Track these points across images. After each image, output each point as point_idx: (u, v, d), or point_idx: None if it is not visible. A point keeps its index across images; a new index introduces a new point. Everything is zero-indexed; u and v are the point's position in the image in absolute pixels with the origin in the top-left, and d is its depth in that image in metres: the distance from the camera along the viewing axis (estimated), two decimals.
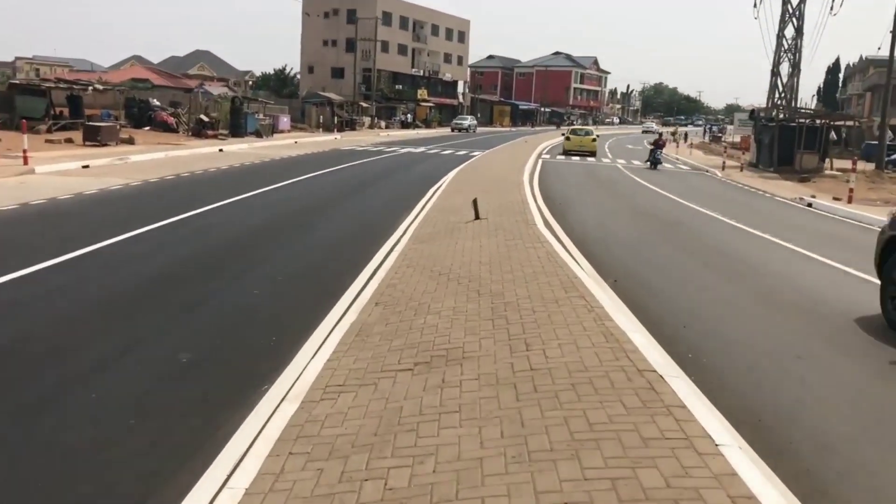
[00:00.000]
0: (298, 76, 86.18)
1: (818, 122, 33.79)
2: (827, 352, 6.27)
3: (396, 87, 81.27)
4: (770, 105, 37.07)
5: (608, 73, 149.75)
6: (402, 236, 11.23)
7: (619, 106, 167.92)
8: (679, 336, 6.46)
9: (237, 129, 39.06)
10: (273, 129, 43.25)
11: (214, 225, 12.03)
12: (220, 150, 31.22)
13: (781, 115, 34.47)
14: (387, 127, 66.89)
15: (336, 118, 54.88)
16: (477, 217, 11.92)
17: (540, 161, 32.56)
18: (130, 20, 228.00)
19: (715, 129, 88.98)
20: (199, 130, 37.16)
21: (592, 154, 39.13)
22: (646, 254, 10.91)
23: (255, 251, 9.99)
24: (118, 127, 30.66)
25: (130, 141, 29.75)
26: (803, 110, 37.23)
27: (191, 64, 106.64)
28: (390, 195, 17.42)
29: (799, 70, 37.22)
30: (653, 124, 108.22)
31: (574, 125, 76.54)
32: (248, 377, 5.26)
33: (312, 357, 5.51)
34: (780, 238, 13.17)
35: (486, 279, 7.40)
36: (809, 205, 20.87)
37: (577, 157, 37.88)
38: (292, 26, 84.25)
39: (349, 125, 58.25)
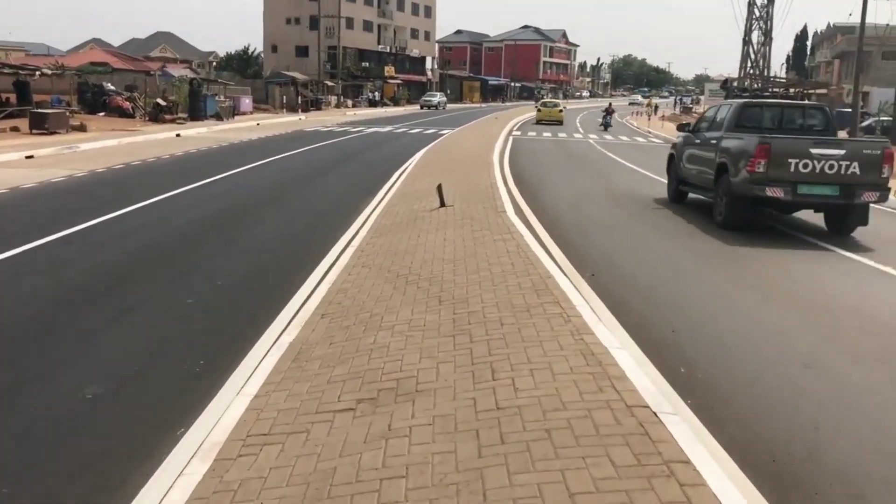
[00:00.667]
0: (262, 56, 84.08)
1: (791, 90, 33.26)
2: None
3: (363, 64, 79.56)
4: (742, 75, 36.46)
5: (577, 45, 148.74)
6: (360, 228, 10.30)
7: (588, 79, 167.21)
8: (668, 342, 5.66)
9: (196, 112, 37.61)
10: (234, 112, 41.81)
11: (155, 221, 11.01)
12: (178, 136, 29.99)
13: (755, 85, 33.87)
14: (353, 106, 65.44)
15: (300, 98, 53.37)
16: (442, 204, 11.04)
17: (511, 139, 31.67)
18: (90, 3, 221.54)
19: (686, 100, 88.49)
20: (157, 115, 35.71)
21: (560, 122, 45.83)
22: (624, 240, 10.11)
23: (194, 252, 9.02)
24: (68, 113, 29.18)
25: (82, 128, 28.35)
26: (776, 79, 36.69)
27: (153, 46, 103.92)
28: (352, 180, 16.43)
29: (770, 38, 36.65)
30: (638, 97, 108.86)
31: (545, 99, 77.08)
32: (162, 419, 4.36)
33: (239, 391, 4.62)
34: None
35: (450, 281, 6.53)
36: None
37: (549, 134, 37.09)
38: (256, 5, 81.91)
39: (314, 105, 56.77)
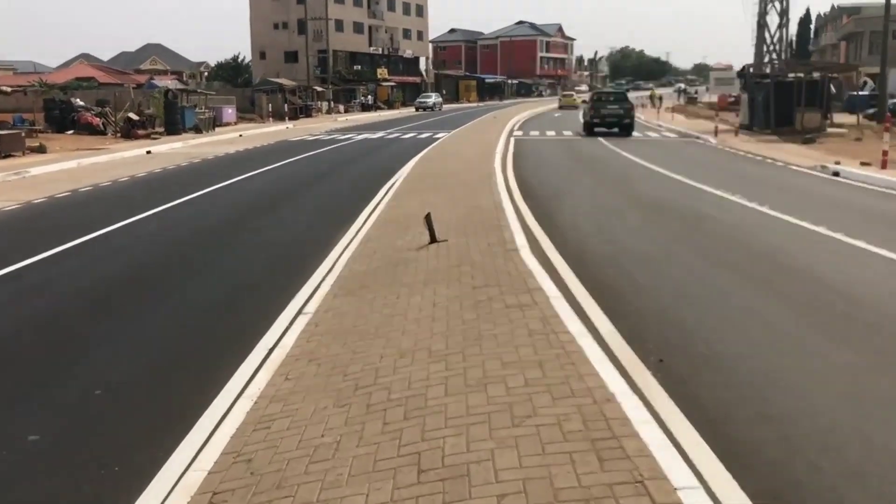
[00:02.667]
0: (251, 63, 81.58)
1: (815, 74, 30.47)
2: None
3: (355, 67, 76.92)
4: (760, 60, 33.69)
5: (574, 39, 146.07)
6: (324, 279, 7.61)
7: (587, 73, 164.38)
8: None
9: (173, 125, 35.01)
10: (214, 123, 39.14)
11: (64, 275, 8.36)
12: (148, 153, 27.42)
13: (775, 70, 31.08)
14: (346, 111, 62.74)
15: (288, 105, 50.71)
16: (433, 240, 8.33)
17: (512, 140, 28.95)
18: (78, 19, 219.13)
19: (690, 90, 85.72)
20: (129, 130, 33.09)
21: (576, 107, 56.59)
22: (683, 281, 7.39)
23: (82, 332, 6.35)
24: (23, 134, 26.59)
25: (41, 149, 25.78)
26: (800, 63, 33.90)
27: (143, 58, 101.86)
28: (325, 203, 13.71)
29: (788, 19, 33.94)
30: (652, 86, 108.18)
31: (543, 96, 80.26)
32: None
33: None
34: (841, 231, 9.71)
35: (439, 410, 3.84)
36: (836, 174, 17.49)
37: (552, 132, 34.38)
38: (245, 11, 79.54)
39: (304, 112, 54.15)
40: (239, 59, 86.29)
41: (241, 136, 36.62)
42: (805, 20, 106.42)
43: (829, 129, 29.50)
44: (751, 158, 22.15)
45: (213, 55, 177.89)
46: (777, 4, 34.04)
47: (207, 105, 42.64)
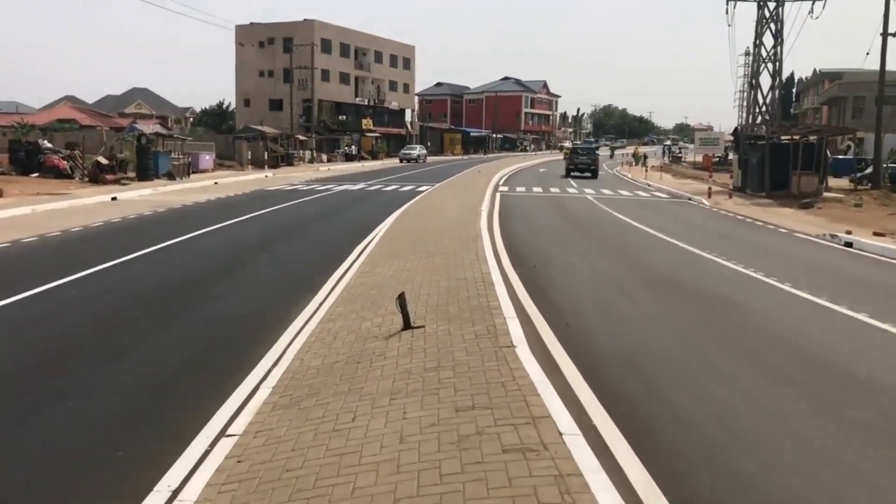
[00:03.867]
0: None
1: (811, 138, 29.62)
2: None
3: (340, 117, 76.12)
4: (753, 121, 32.90)
5: (558, 96, 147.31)
6: (263, 379, 5.95)
7: (570, 129, 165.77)
8: None
9: (145, 171, 33.44)
10: (189, 170, 37.59)
11: None
12: (113, 199, 25.79)
13: (770, 131, 30.21)
14: (329, 160, 61.58)
15: (269, 153, 49.37)
16: (407, 326, 6.73)
17: (498, 195, 27.64)
18: (65, 61, 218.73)
19: (675, 149, 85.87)
20: (97, 175, 31.39)
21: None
22: (728, 402, 5.79)
23: None
24: None
25: None
26: (796, 125, 33.12)
27: (128, 102, 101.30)
28: (287, 268, 12.00)
29: (781, 80, 33.26)
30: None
31: (527, 150, 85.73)
32: None
33: None
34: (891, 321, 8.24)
35: None
36: (849, 244, 16.18)
37: (539, 189, 33.17)
38: (231, 59, 79.00)
39: (286, 160, 52.83)
40: (224, 106, 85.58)
41: (216, 183, 35.10)
42: (788, 84, 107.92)
43: (826, 194, 28.54)
44: (750, 223, 20.89)
45: (200, 101, 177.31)
46: (770, 66, 33.33)
47: (183, 151, 41.20)
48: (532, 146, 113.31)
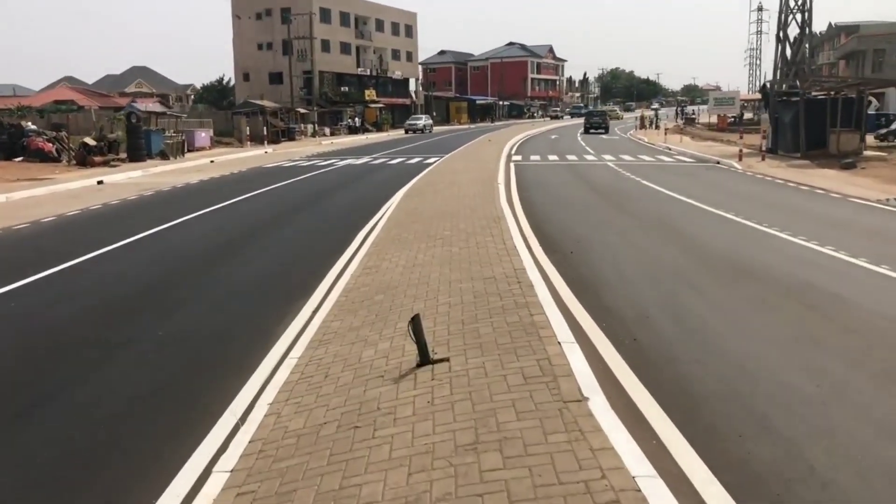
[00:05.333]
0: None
1: (844, 92, 27.31)
2: None
3: (342, 89, 73.68)
4: (783, 77, 30.54)
5: (565, 60, 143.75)
6: (218, 454, 4.13)
7: (578, 94, 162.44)
8: None
9: (136, 151, 31.51)
10: (184, 148, 35.63)
11: None
12: (99, 183, 24.04)
13: (805, 86, 27.93)
14: (332, 134, 59.40)
15: (268, 128, 47.28)
16: (424, 361, 4.85)
17: (512, 166, 25.59)
18: (64, 41, 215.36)
19: (689, 109, 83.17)
20: (84, 157, 29.49)
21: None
22: None
23: None
24: None
25: None
26: (832, 79, 30.79)
27: (128, 81, 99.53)
28: (273, 265, 9.99)
29: (811, 31, 30.84)
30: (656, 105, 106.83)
31: (535, 117, 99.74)
32: None
33: None
34: None
35: None
36: None
37: (555, 157, 31.07)
38: (230, 33, 76.56)
39: (287, 135, 50.77)
40: (224, 82, 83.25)
41: (212, 162, 33.20)
42: (800, 38, 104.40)
43: (866, 153, 26.36)
44: (794, 188, 18.82)
45: (202, 78, 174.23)
46: (798, 16, 30.90)
47: (178, 129, 39.23)
48: (539, 112, 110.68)
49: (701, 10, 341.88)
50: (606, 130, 57.38)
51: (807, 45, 31.38)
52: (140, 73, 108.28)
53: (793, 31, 31.82)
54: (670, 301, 7.31)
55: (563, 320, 5.60)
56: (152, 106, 49.76)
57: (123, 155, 31.75)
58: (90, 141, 31.03)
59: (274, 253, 10.83)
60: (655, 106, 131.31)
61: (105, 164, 29.55)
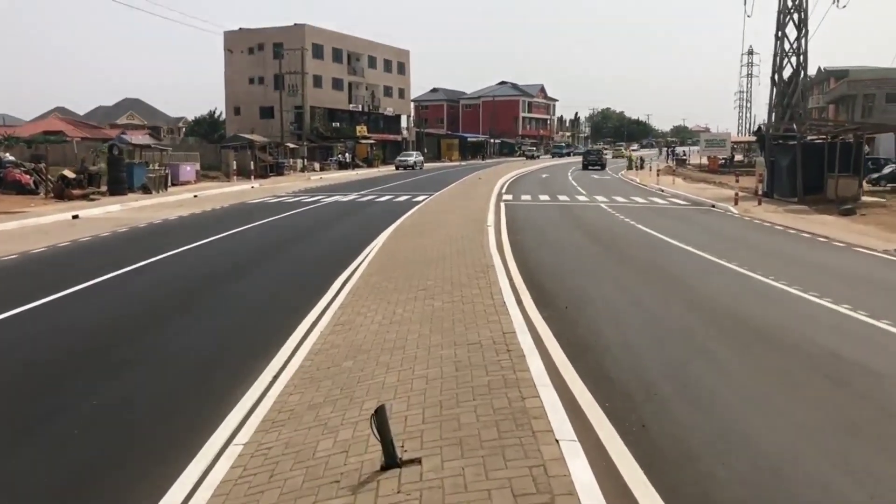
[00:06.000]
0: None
1: (842, 137, 26.85)
2: None
3: (333, 124, 73.31)
4: (776, 119, 30.17)
5: (556, 100, 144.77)
6: None
7: (568, 133, 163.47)
8: None
9: (117, 184, 30.65)
10: (167, 182, 34.80)
11: None
12: (75, 217, 23.08)
13: (803, 130, 27.45)
14: (322, 169, 58.79)
15: (255, 162, 46.56)
16: (391, 462, 3.93)
17: (503, 206, 24.85)
18: (57, 72, 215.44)
19: (679, 150, 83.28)
20: (63, 190, 28.56)
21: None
22: None
23: None
24: None
25: None
26: (829, 122, 30.43)
27: (120, 113, 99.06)
28: (233, 322, 8.87)
29: (806, 75, 30.56)
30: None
31: (535, 155, 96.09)
32: None
33: None
34: None
35: None
36: None
37: (546, 197, 30.39)
38: (222, 68, 76.36)
39: (275, 170, 50.04)
40: (215, 115, 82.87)
41: (195, 196, 32.35)
42: (791, 82, 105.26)
43: (864, 198, 25.80)
44: (796, 235, 18.10)
45: (194, 111, 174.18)
46: (793, 59, 30.63)
47: (163, 162, 38.44)
48: (532, 150, 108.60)
49: (692, 52, 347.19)
50: (603, 167, 63.58)
51: (801, 88, 31.06)
52: (132, 105, 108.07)
53: (786, 73, 31.62)
54: (681, 372, 6.42)
55: (561, 405, 4.69)
56: (142, 138, 49.03)
57: (104, 188, 30.87)
58: (69, 173, 30.16)
59: (237, 305, 9.85)
60: (635, 146, 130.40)
61: (84, 197, 28.64)
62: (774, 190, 27.98)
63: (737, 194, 26.52)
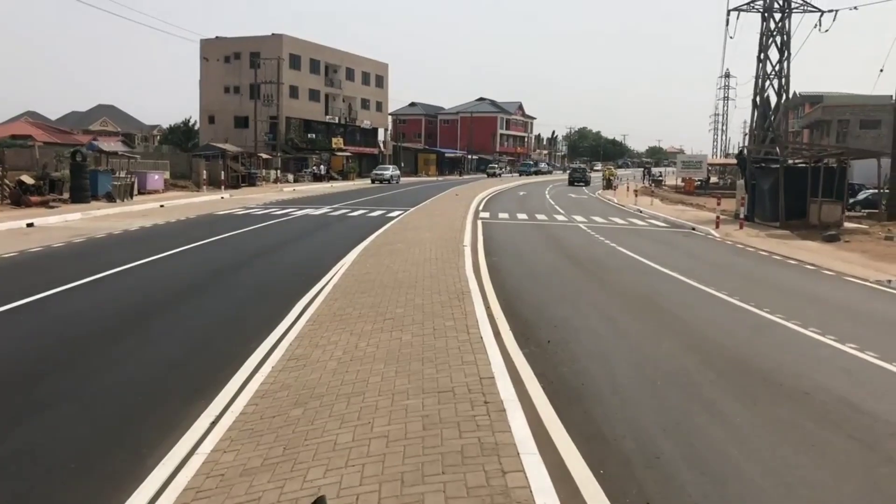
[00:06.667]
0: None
1: (827, 161, 26.49)
2: None
3: (309, 135, 72.22)
4: (756, 141, 29.78)
5: (534, 118, 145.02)
6: None
7: (545, 151, 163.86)
8: None
9: (80, 192, 29.41)
10: (132, 190, 33.52)
11: None
12: (29, 226, 21.91)
13: (785, 153, 27.05)
14: (296, 180, 57.69)
15: (226, 172, 45.37)
16: None
17: (480, 224, 24.03)
18: (30, 75, 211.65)
19: (655, 171, 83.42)
20: (19, 196, 27.24)
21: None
22: None
23: None
24: None
25: None
26: (813, 146, 30.06)
27: (93, 119, 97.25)
28: (176, 354, 7.96)
29: (788, 97, 30.26)
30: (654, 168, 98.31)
31: (496, 173, 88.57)
32: None
33: None
34: None
35: None
36: None
37: (524, 215, 29.64)
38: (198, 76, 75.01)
39: (247, 180, 48.85)
40: (190, 123, 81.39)
41: (161, 206, 31.17)
42: (765, 106, 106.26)
43: (847, 224, 25.38)
44: (781, 262, 17.47)
45: (169, 118, 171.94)
46: (775, 82, 30.34)
47: (130, 169, 37.16)
48: (507, 168, 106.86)
49: (668, 74, 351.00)
50: (587, 184, 68.45)
51: (781, 111, 30.76)
52: (106, 111, 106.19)
53: (767, 96, 31.34)
54: (683, 427, 5.56)
55: (550, 482, 3.80)
56: (114, 145, 47.76)
57: (66, 195, 29.58)
58: (27, 179, 28.83)
59: (181, 333, 8.78)
60: (599, 167, 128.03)
61: (43, 204, 27.37)
62: (755, 214, 27.50)
63: (717, 217, 25.97)
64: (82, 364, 7.31)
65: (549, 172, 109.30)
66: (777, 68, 30.16)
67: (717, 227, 25.14)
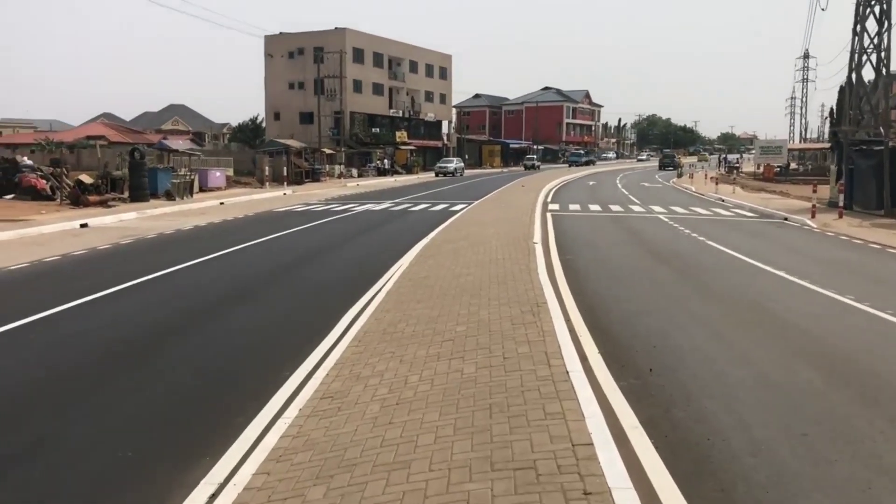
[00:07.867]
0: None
1: None
2: None
3: (373, 130, 71.43)
4: (855, 124, 26.94)
5: (601, 106, 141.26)
6: None
7: (613, 140, 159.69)
8: None
9: (139, 190, 28.97)
10: (192, 188, 32.99)
11: None
12: (83, 226, 21.36)
13: (873, 134, 24.35)
14: (359, 175, 56.85)
15: (289, 168, 44.73)
16: None
17: (549, 217, 22.25)
18: (105, 79, 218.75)
19: (732, 158, 79.46)
20: (78, 196, 26.88)
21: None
22: None
23: None
24: None
25: None
26: None
27: (165, 119, 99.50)
28: (187, 392, 6.60)
29: (888, 72, 27.29)
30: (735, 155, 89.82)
31: (535, 164, 79.25)
32: None
33: None
34: None
35: None
36: None
37: (597, 206, 27.66)
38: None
39: (311, 176, 48.18)
40: (257, 121, 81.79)
41: (221, 203, 30.57)
42: (848, 87, 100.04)
43: None
44: None
45: (239, 116, 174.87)
46: (873, 56, 27.43)
47: (191, 167, 36.78)
48: (535, 160, 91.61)
49: (741, 57, 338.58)
50: (675, 167, 68.55)
51: (886, 88, 27.77)
52: (177, 110, 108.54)
53: (865, 72, 28.51)
54: None
55: None
56: (183, 143, 47.78)
57: (126, 194, 29.18)
58: (86, 178, 28.53)
59: (198, 362, 7.27)
60: (643, 156, 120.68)
61: (102, 203, 26.97)
62: (854, 201, 24.82)
63: (814, 206, 23.46)
64: (144, 360, 6.01)
65: (594, 163, 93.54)
66: (875, 41, 27.18)
67: (813, 216, 22.66)
